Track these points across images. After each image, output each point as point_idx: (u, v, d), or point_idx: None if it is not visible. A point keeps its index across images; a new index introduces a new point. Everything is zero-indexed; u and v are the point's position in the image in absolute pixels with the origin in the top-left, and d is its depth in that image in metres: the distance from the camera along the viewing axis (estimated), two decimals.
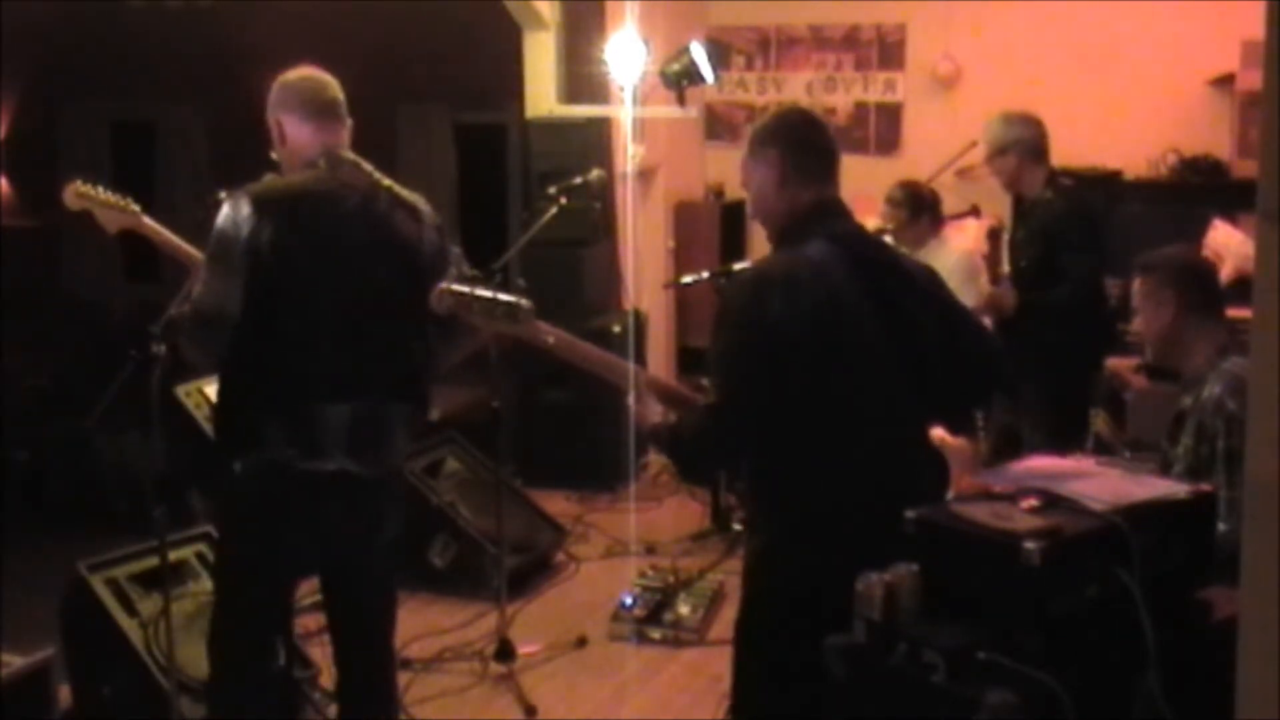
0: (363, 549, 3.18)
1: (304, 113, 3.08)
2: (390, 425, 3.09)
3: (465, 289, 2.77)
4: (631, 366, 2.82)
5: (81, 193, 3.53)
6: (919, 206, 5.22)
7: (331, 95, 3.13)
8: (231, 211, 2.95)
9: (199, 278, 3.01)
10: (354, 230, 3.03)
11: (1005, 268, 4.92)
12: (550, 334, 2.80)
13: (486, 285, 2.84)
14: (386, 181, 3.12)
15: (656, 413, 2.74)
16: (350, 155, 3.11)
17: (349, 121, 3.16)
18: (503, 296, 2.75)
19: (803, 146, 2.75)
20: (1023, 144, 4.71)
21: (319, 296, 2.99)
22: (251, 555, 3.11)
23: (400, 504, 3.29)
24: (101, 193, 3.53)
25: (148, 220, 3.51)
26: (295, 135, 3.09)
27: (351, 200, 3.05)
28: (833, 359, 2.60)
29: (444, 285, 2.80)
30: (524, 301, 2.76)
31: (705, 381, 2.68)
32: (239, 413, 3.05)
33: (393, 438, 3.11)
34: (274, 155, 3.17)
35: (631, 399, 2.77)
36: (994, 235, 4.70)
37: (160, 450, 3.70)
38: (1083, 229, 4.70)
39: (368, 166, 3.12)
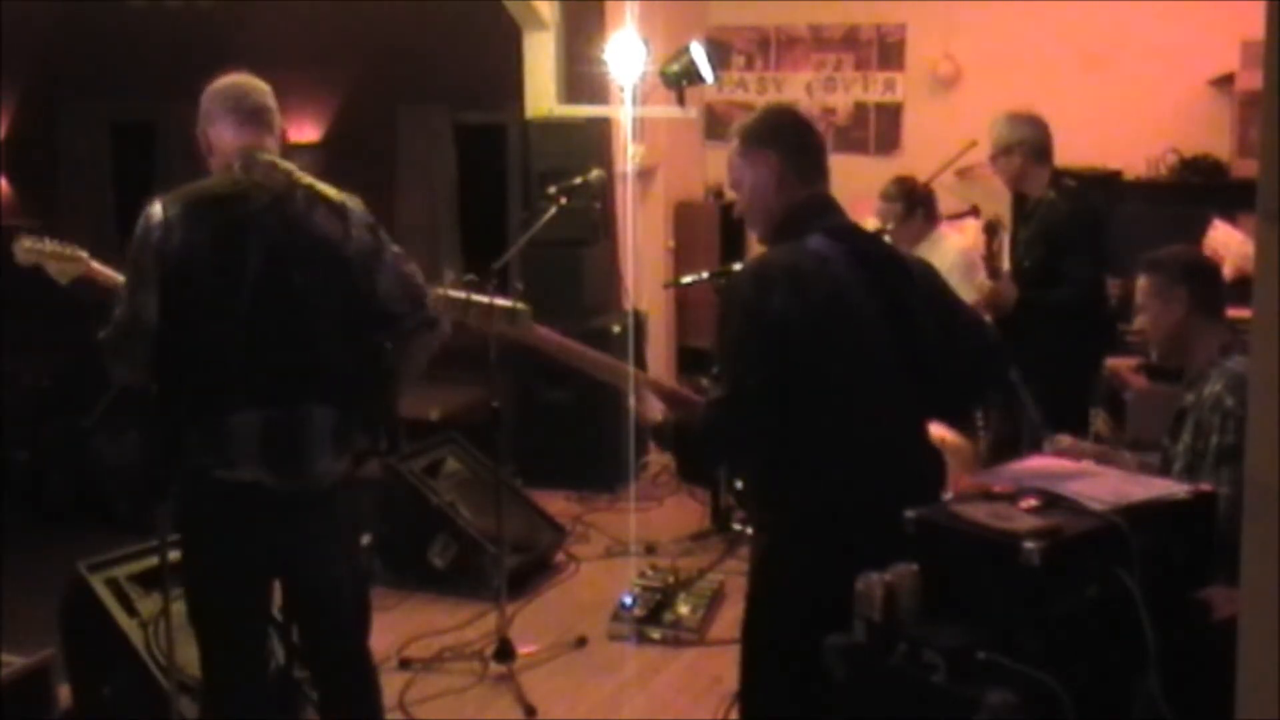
0: (307, 559, 3.07)
1: (227, 118, 3.03)
2: (311, 434, 2.96)
3: (461, 294, 2.77)
4: (631, 370, 2.81)
5: (29, 247, 3.50)
6: (913, 201, 5.22)
7: (256, 100, 3.07)
8: (144, 219, 2.92)
9: (120, 291, 2.97)
10: (263, 231, 2.94)
11: (1005, 263, 4.91)
12: (547, 337, 2.79)
13: (483, 289, 2.82)
14: (307, 180, 3.04)
15: (658, 410, 2.73)
16: (267, 156, 3.03)
17: (278, 127, 3.10)
18: (499, 301, 2.75)
19: (799, 147, 2.75)
20: (1028, 144, 4.70)
21: (224, 299, 2.91)
22: (192, 563, 3.09)
23: (347, 516, 3.15)
24: (49, 244, 3.50)
25: (96, 265, 3.47)
26: (219, 141, 3.05)
27: (261, 201, 2.96)
28: (835, 352, 2.59)
29: (440, 290, 2.78)
30: (520, 305, 2.75)
31: (705, 381, 2.68)
32: (161, 422, 2.98)
33: (315, 447, 2.97)
34: (211, 165, 3.11)
35: (632, 401, 2.77)
36: (990, 230, 4.67)
37: (160, 450, 3.70)
38: (1086, 231, 4.69)
39: (287, 166, 3.04)
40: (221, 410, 2.90)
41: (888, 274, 2.71)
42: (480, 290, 2.80)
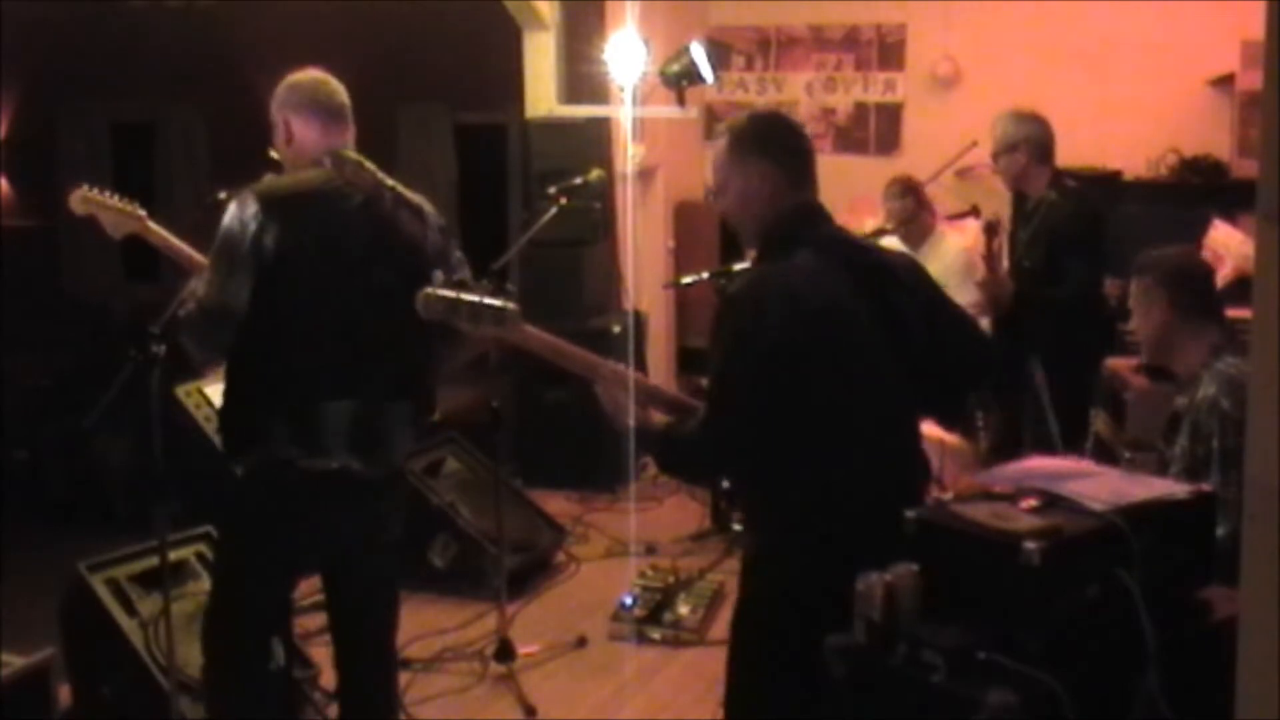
0: (365, 548, 3.19)
1: (312, 113, 3.11)
2: (391, 424, 3.11)
3: (451, 293, 2.73)
4: (630, 371, 2.80)
5: (88, 198, 3.53)
6: (920, 199, 5.22)
7: (340, 99, 3.16)
8: (238, 210, 2.97)
9: (204, 276, 3.03)
10: (358, 230, 3.05)
11: (1005, 262, 4.90)
12: (537, 338, 2.77)
13: (474, 289, 2.79)
14: (390, 182, 3.14)
15: (625, 410, 2.72)
16: (354, 155, 3.13)
17: (353, 125, 3.18)
18: (489, 301, 2.71)
19: (792, 154, 2.73)
20: (1033, 142, 4.69)
21: (321, 295, 3.01)
22: (255, 554, 3.12)
23: (402, 504, 3.31)
24: (108, 198, 3.53)
25: (153, 225, 3.51)
26: (302, 135, 3.12)
27: (355, 200, 3.06)
28: (831, 366, 2.60)
29: (429, 290, 2.76)
30: (510, 305, 2.72)
31: (706, 382, 2.68)
32: (243, 411, 3.06)
33: (394, 436, 3.13)
34: (274, 153, 3.18)
35: (599, 390, 2.75)
36: (990, 229, 4.65)
37: (160, 450, 3.70)
38: (1088, 232, 4.69)
39: (371, 166, 3.13)
40: (311, 401, 2.99)
41: (877, 281, 2.70)
42: (470, 290, 2.77)
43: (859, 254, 2.78)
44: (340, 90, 3.18)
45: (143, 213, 3.53)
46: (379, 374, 3.08)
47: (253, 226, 2.94)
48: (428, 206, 3.21)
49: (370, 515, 3.16)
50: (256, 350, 3.00)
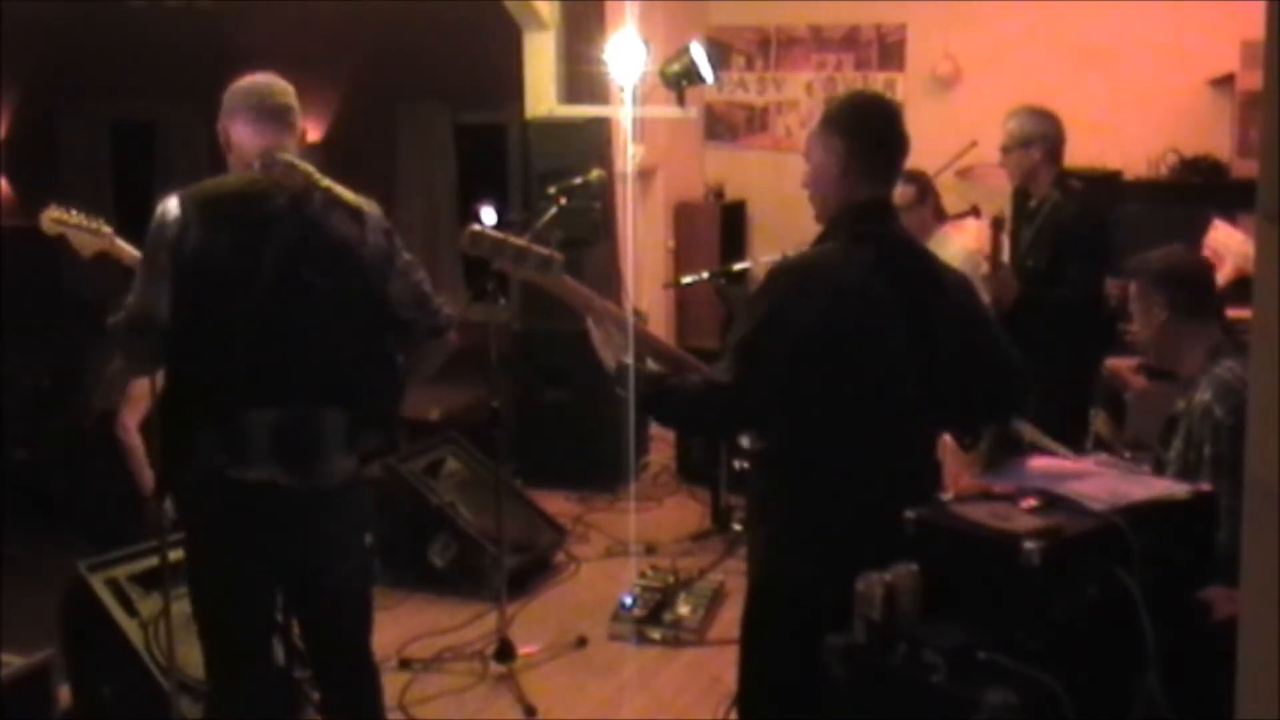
0: (318, 561, 3.07)
1: (247, 116, 3.04)
2: (322, 434, 2.97)
3: (499, 234, 2.77)
4: (631, 318, 2.80)
5: (55, 217, 3.49)
6: (924, 188, 5.19)
7: (279, 100, 3.07)
8: (161, 214, 2.92)
9: (133, 284, 2.96)
10: (280, 231, 2.94)
11: (1005, 260, 4.89)
12: (575, 289, 2.79)
13: (520, 236, 2.84)
14: (325, 182, 3.04)
15: (615, 348, 2.71)
16: (287, 157, 3.03)
17: (298, 127, 3.10)
18: (536, 247, 2.76)
19: (871, 143, 2.69)
20: (1048, 140, 4.66)
21: (243, 299, 2.91)
22: (202, 564, 3.08)
23: (359, 515, 3.15)
24: (74, 216, 3.48)
25: (120, 242, 3.43)
26: (239, 139, 3.05)
27: (279, 200, 2.96)
28: (857, 362, 2.60)
29: (477, 228, 2.77)
30: (557, 254, 2.75)
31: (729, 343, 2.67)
32: (176, 420, 2.99)
33: (326, 447, 2.97)
34: (229, 163, 3.11)
35: (590, 322, 2.74)
36: (997, 225, 4.62)
37: (160, 449, 3.70)
38: (1093, 234, 4.67)
39: (306, 167, 3.04)
40: (235, 409, 2.91)
41: (920, 287, 2.68)
42: (517, 235, 2.81)
43: (912, 260, 2.75)
44: (283, 92, 3.08)
45: (109, 230, 3.45)
46: (309, 381, 2.96)
47: (172, 231, 2.89)
48: (370, 208, 3.09)
49: (313, 528, 3.01)
50: (183, 357, 2.93)
